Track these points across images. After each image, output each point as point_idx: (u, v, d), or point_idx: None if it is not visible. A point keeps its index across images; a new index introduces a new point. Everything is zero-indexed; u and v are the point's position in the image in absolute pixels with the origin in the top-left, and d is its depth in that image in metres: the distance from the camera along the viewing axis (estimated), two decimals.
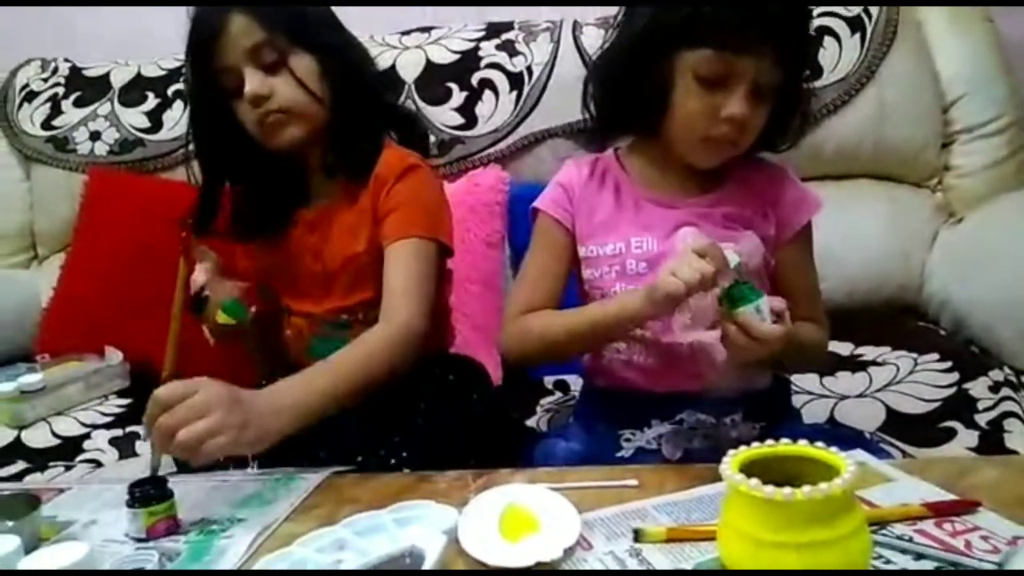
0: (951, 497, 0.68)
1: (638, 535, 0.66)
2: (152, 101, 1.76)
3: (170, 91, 1.75)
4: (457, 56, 1.63)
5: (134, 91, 1.78)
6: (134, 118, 1.75)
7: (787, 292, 0.92)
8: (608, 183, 0.98)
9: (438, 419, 1.00)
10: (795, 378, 1.14)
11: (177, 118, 1.73)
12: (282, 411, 0.82)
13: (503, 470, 0.84)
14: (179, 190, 1.66)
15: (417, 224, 1.04)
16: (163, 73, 1.78)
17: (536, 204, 1.01)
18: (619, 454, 0.92)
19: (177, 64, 1.77)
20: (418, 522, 0.68)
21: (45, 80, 1.85)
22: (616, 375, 0.96)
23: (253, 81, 1.01)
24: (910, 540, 0.63)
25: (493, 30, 1.66)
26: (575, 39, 1.60)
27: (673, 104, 0.89)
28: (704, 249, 0.80)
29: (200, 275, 1.07)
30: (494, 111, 1.60)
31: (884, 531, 0.64)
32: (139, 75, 1.80)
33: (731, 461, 0.58)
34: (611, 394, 0.98)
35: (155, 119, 1.74)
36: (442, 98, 1.61)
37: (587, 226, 0.97)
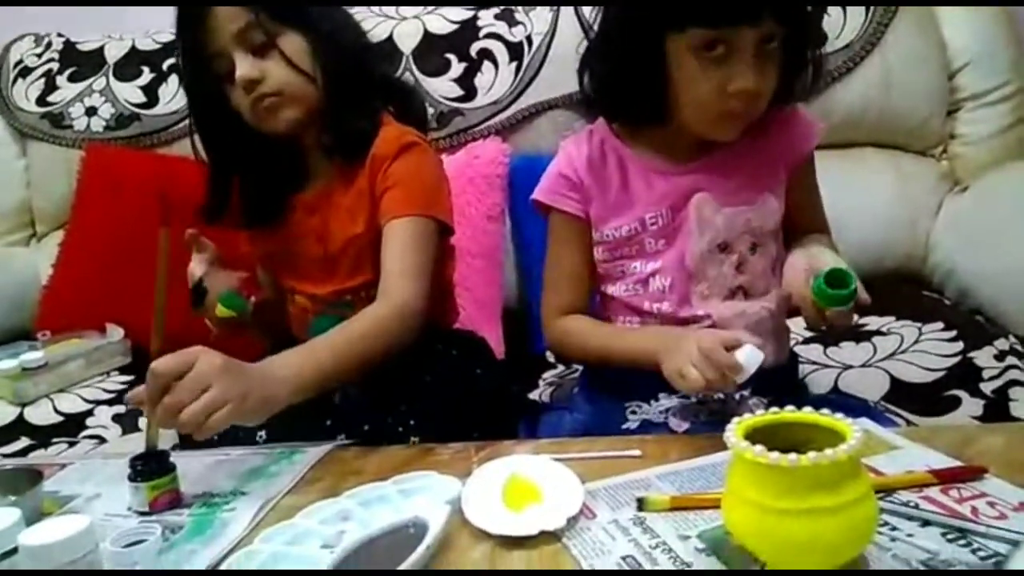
0: (957, 464, 0.67)
1: (642, 504, 0.66)
2: (147, 75, 1.74)
3: (165, 65, 1.73)
4: (456, 26, 1.61)
5: (129, 65, 1.76)
6: (130, 93, 1.73)
7: (796, 209, 0.95)
8: (610, 159, 0.95)
9: (442, 394, 1.00)
10: (798, 348, 1.14)
11: (173, 92, 1.71)
12: (281, 381, 0.80)
13: (506, 441, 0.84)
14: (177, 165, 1.66)
15: (415, 202, 1.02)
16: (158, 47, 1.76)
17: (540, 198, 0.97)
18: (625, 426, 0.91)
19: (172, 37, 1.74)
20: (422, 493, 0.68)
21: (39, 56, 1.82)
22: None
23: (243, 65, 0.98)
24: (916, 507, 0.62)
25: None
26: (575, 7, 1.57)
27: (678, 89, 0.85)
28: (717, 361, 0.76)
29: (197, 267, 1.07)
30: (493, 82, 1.58)
31: (890, 498, 0.63)
32: (134, 49, 1.78)
33: (736, 428, 0.58)
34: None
35: (151, 93, 1.73)
36: (440, 69, 1.59)
37: (600, 209, 0.94)
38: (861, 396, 1.06)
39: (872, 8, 1.48)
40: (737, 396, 0.89)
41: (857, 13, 1.48)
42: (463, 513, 0.65)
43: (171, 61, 1.72)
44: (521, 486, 0.68)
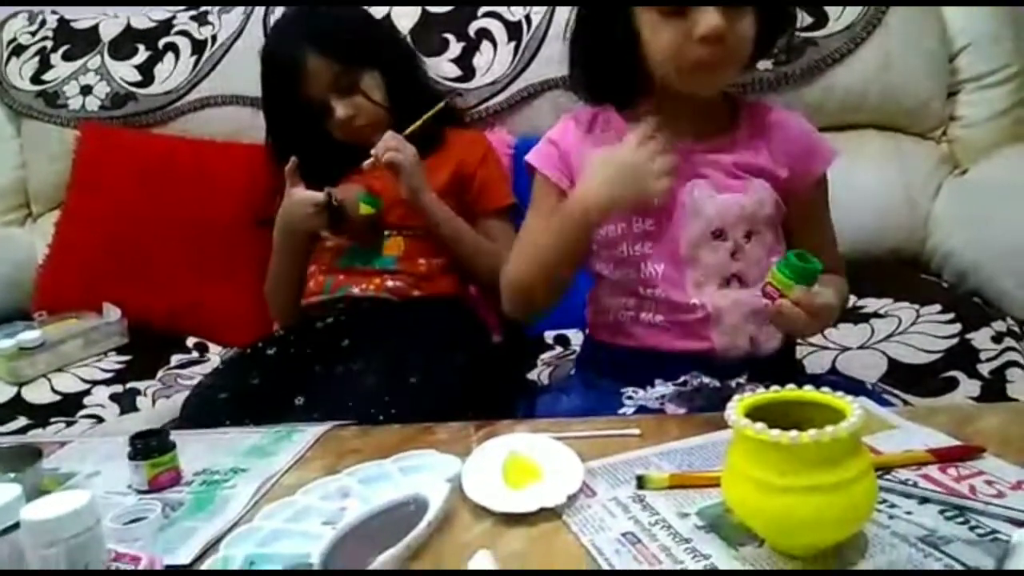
0: (955, 443, 0.68)
1: (641, 482, 0.66)
2: (143, 54, 1.72)
3: (161, 43, 1.71)
4: (454, 5, 1.59)
5: (124, 44, 1.74)
6: (125, 71, 1.72)
7: (806, 244, 0.89)
8: (610, 136, 0.94)
9: (437, 374, 1.01)
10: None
11: (170, 71, 1.70)
12: (427, 187, 1.19)
13: (505, 421, 0.84)
14: (173, 145, 1.65)
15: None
16: (153, 25, 1.74)
17: (530, 159, 0.98)
18: (621, 411, 0.90)
19: (167, 16, 1.73)
20: (422, 471, 0.68)
21: (33, 34, 1.80)
22: (623, 331, 0.94)
23: (341, 109, 1.24)
24: (915, 485, 0.63)
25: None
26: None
27: (647, 47, 0.86)
28: None
29: (306, 191, 1.21)
30: (492, 62, 1.56)
31: (889, 476, 0.64)
32: (129, 27, 1.75)
33: (737, 406, 0.58)
34: (615, 350, 0.96)
35: (146, 72, 1.71)
36: (439, 49, 1.57)
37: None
38: (858, 377, 1.06)
39: None
40: (734, 383, 0.88)
41: None
42: (463, 491, 0.65)
43: (167, 39, 1.71)
44: (521, 464, 0.68)
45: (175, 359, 1.39)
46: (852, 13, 1.46)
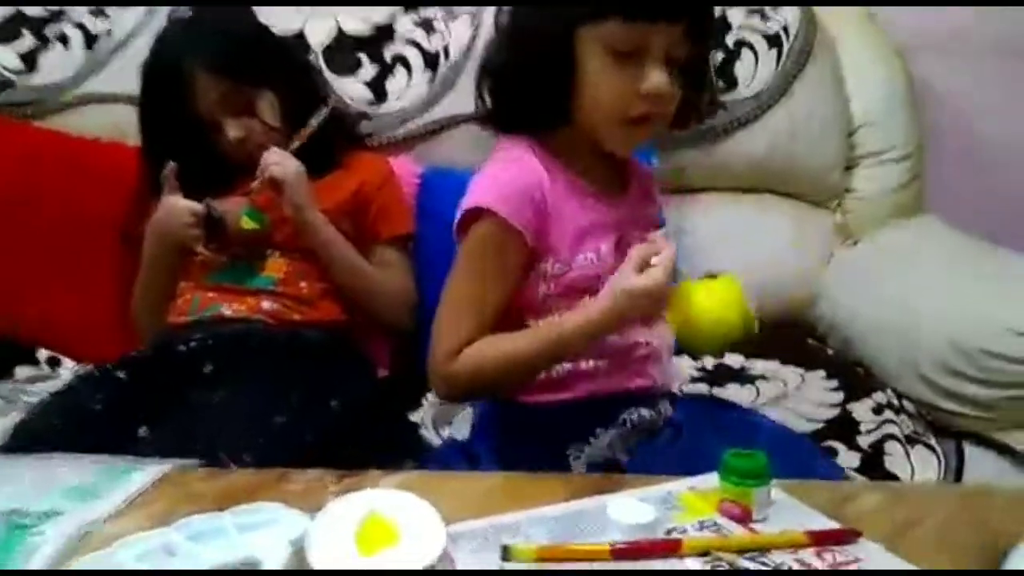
0: (833, 525, 0.66)
1: (506, 552, 0.61)
2: (29, 40, 1.59)
3: (51, 32, 1.59)
4: (371, 27, 1.54)
5: (9, 28, 1.60)
6: (5, 57, 1.58)
7: None
8: (557, 176, 0.87)
9: (307, 416, 0.94)
10: (685, 388, 1.13)
11: (56, 62, 1.57)
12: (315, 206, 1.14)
13: (373, 471, 0.77)
14: (49, 139, 1.52)
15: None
16: (45, 13, 1.61)
17: (496, 208, 0.84)
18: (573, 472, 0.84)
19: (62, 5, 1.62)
20: (262, 528, 0.60)
21: None
22: (559, 385, 0.87)
23: (233, 130, 1.17)
24: (790, 570, 0.60)
25: (412, 4, 1.58)
26: (497, 24, 1.53)
27: (584, 86, 0.82)
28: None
29: (184, 200, 1.14)
30: (406, 88, 1.52)
31: (764, 558, 0.61)
32: (19, 12, 1.62)
33: None
34: (546, 409, 0.88)
35: (30, 61, 1.58)
36: (351, 69, 1.52)
37: (557, 238, 0.86)
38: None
39: (783, 59, 1.50)
40: (662, 412, 0.90)
41: (768, 61, 1.50)
42: (307, 554, 0.58)
43: (57, 28, 1.59)
44: (378, 526, 0.61)
45: (21, 373, 1.26)
46: (761, 81, 1.50)
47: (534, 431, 0.88)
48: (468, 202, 0.86)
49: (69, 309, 1.35)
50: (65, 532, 0.63)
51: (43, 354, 1.32)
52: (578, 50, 0.81)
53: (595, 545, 0.59)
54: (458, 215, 0.87)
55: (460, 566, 0.60)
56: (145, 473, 0.74)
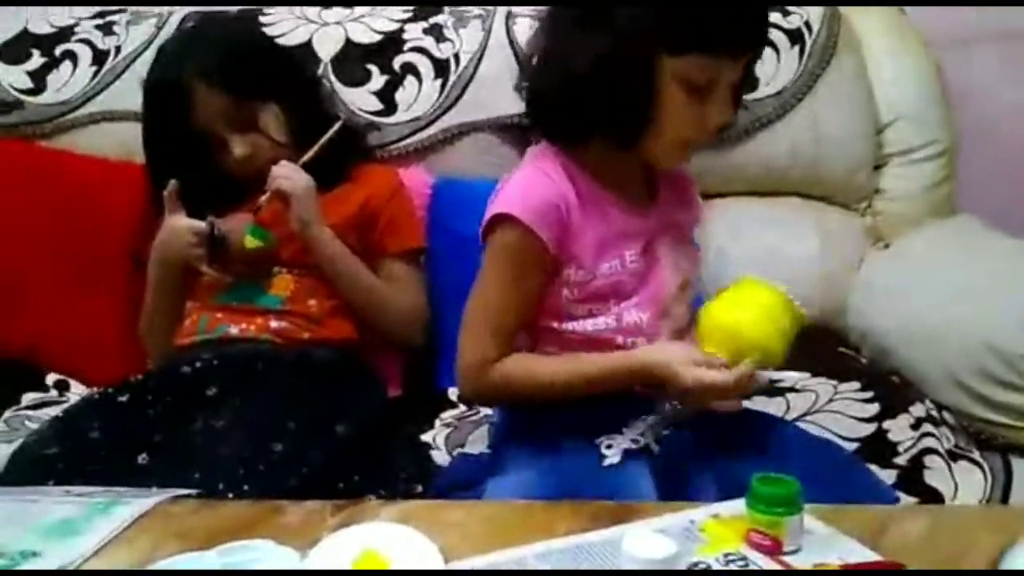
0: (873, 556, 0.60)
1: None
2: (38, 60, 1.58)
3: (59, 50, 1.58)
4: (379, 36, 1.51)
5: (17, 47, 1.59)
6: (15, 78, 1.57)
7: None
8: (582, 188, 0.88)
9: (310, 445, 0.90)
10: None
11: (65, 80, 1.56)
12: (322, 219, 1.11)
13: (372, 502, 0.73)
14: (59, 158, 1.51)
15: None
16: (53, 31, 1.61)
17: (522, 216, 0.85)
18: (606, 463, 0.83)
19: (71, 22, 1.60)
20: (249, 567, 0.57)
21: None
22: None
23: (239, 148, 1.14)
24: None
25: (421, 12, 1.55)
26: (508, 30, 1.50)
27: (658, 112, 0.83)
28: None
29: (187, 219, 1.11)
30: (416, 98, 1.49)
31: None
32: (26, 31, 1.61)
33: None
34: (574, 406, 0.88)
35: (39, 80, 1.57)
36: (360, 80, 1.49)
37: (580, 247, 0.87)
38: None
39: (805, 55, 1.45)
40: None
41: (791, 59, 1.44)
42: None
43: (65, 47, 1.58)
44: (373, 564, 0.57)
45: (28, 398, 1.23)
46: (783, 79, 1.45)
47: (566, 425, 0.88)
48: (494, 208, 0.88)
49: (78, 330, 1.33)
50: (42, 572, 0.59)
51: (51, 378, 1.30)
52: (656, 78, 0.82)
53: None
54: (484, 219, 0.89)
55: None
56: (130, 507, 0.70)
